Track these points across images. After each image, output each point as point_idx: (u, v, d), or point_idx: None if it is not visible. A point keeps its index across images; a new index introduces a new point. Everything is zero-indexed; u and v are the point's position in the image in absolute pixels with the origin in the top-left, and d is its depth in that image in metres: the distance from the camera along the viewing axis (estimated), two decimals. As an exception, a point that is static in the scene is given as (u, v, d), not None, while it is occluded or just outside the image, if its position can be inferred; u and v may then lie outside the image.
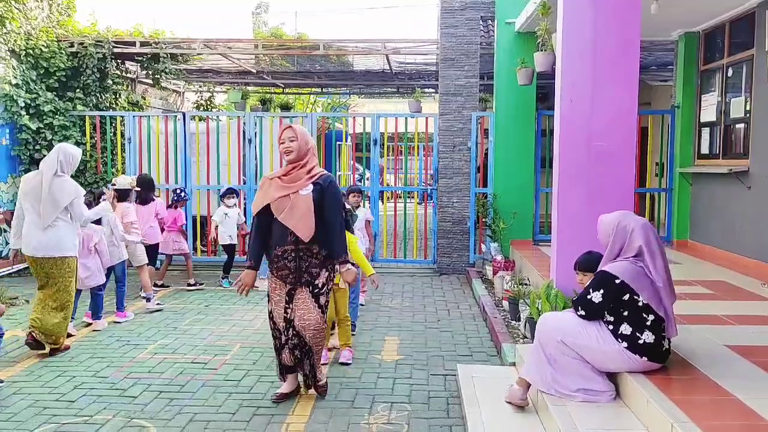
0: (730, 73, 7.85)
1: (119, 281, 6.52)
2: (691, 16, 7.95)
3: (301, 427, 3.93)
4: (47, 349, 5.37)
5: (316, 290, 4.15)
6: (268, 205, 4.11)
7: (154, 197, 7.83)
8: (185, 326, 6.30)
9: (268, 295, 4.28)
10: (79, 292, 6.05)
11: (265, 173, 9.73)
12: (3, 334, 4.83)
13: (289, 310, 4.16)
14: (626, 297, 3.52)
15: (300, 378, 4.42)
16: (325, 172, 4.25)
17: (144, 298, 7.03)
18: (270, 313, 4.27)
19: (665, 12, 7.03)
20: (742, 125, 7.53)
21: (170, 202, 8.50)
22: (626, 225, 3.67)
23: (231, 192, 8.31)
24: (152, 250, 7.60)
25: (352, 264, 4.32)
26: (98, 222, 6.18)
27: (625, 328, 3.52)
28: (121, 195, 6.91)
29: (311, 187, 4.10)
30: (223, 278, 8.31)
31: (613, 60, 4.71)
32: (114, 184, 7.10)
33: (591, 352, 3.57)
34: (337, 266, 4.21)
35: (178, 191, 8.50)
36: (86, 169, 9.55)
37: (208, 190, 9.57)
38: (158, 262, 8.27)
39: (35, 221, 5.27)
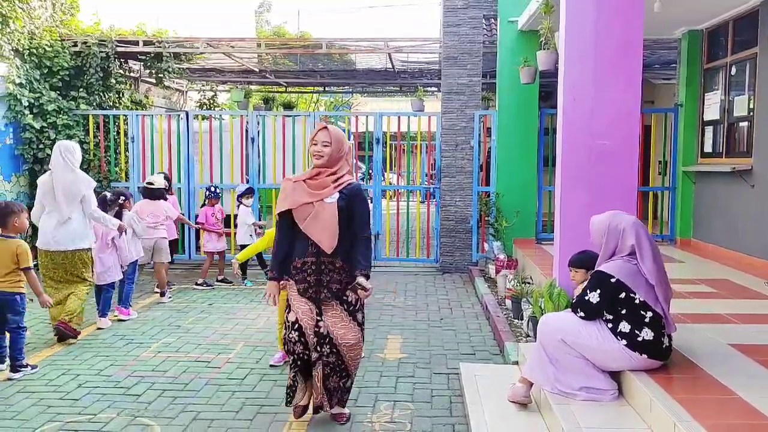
0: (733, 71, 7.83)
1: (128, 278, 6.62)
2: (694, 14, 7.94)
3: (304, 426, 3.94)
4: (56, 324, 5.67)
5: (351, 308, 3.83)
6: (290, 210, 3.80)
7: (167, 196, 7.99)
8: (188, 325, 6.32)
9: (289, 305, 3.91)
10: (111, 287, 6.29)
11: (268, 172, 9.77)
12: (25, 328, 5.01)
13: (321, 324, 3.80)
14: (623, 295, 3.53)
15: (310, 399, 3.99)
16: (354, 180, 3.92)
17: (159, 293, 7.38)
18: (293, 324, 3.84)
19: (668, 10, 7.02)
20: (745, 124, 7.51)
21: (203, 201, 8.68)
22: (617, 225, 3.69)
23: (250, 192, 8.34)
24: (170, 246, 7.95)
25: (367, 277, 3.82)
26: (119, 218, 6.39)
27: (624, 326, 3.53)
28: (158, 194, 7.36)
29: (337, 195, 3.77)
30: (243, 279, 8.38)
31: (616, 59, 4.70)
32: (152, 183, 7.43)
33: (592, 351, 3.58)
34: (356, 275, 3.78)
35: (205, 189, 8.62)
36: (89, 168, 9.56)
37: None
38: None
39: (54, 217, 5.61)
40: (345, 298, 3.81)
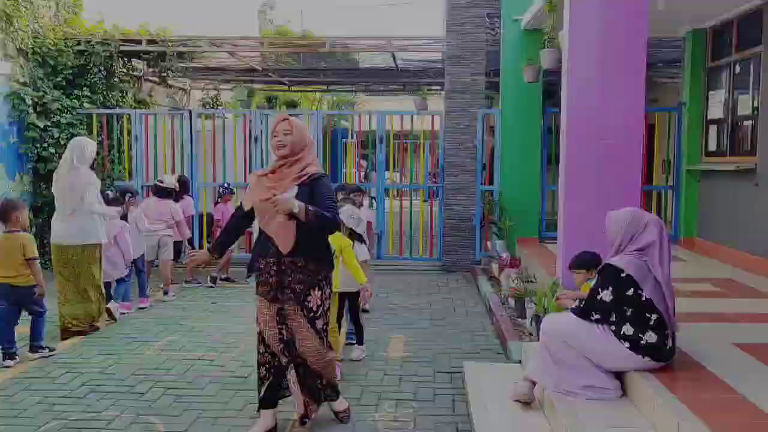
0: (737, 70, 7.81)
1: (141, 271, 6.88)
2: (699, 13, 7.91)
3: (307, 424, 3.93)
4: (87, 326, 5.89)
5: (311, 314, 3.70)
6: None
7: (184, 196, 8.17)
8: (192, 323, 6.33)
9: (257, 317, 3.86)
10: (122, 280, 6.51)
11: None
12: (45, 310, 5.28)
13: (284, 331, 3.71)
14: (630, 292, 3.48)
15: (297, 408, 3.85)
16: (319, 171, 3.72)
17: (163, 291, 7.45)
18: (260, 335, 3.81)
19: (673, 9, 7.00)
20: (749, 122, 7.48)
21: (216, 199, 8.79)
22: (641, 218, 3.64)
23: None
24: (179, 245, 8.07)
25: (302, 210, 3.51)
26: (123, 217, 6.53)
27: (628, 329, 3.48)
28: (166, 193, 7.48)
29: (296, 189, 3.60)
30: (247, 277, 8.38)
31: (620, 58, 4.69)
32: (162, 182, 7.57)
33: (595, 353, 3.56)
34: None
35: (219, 186, 8.69)
36: (93, 167, 9.56)
37: (215, 187, 9.59)
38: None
39: (60, 211, 5.81)
40: (306, 303, 3.69)
